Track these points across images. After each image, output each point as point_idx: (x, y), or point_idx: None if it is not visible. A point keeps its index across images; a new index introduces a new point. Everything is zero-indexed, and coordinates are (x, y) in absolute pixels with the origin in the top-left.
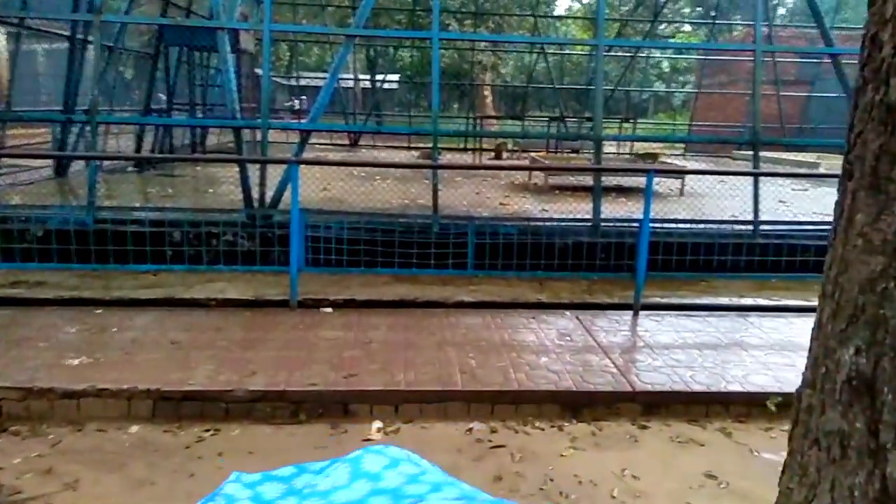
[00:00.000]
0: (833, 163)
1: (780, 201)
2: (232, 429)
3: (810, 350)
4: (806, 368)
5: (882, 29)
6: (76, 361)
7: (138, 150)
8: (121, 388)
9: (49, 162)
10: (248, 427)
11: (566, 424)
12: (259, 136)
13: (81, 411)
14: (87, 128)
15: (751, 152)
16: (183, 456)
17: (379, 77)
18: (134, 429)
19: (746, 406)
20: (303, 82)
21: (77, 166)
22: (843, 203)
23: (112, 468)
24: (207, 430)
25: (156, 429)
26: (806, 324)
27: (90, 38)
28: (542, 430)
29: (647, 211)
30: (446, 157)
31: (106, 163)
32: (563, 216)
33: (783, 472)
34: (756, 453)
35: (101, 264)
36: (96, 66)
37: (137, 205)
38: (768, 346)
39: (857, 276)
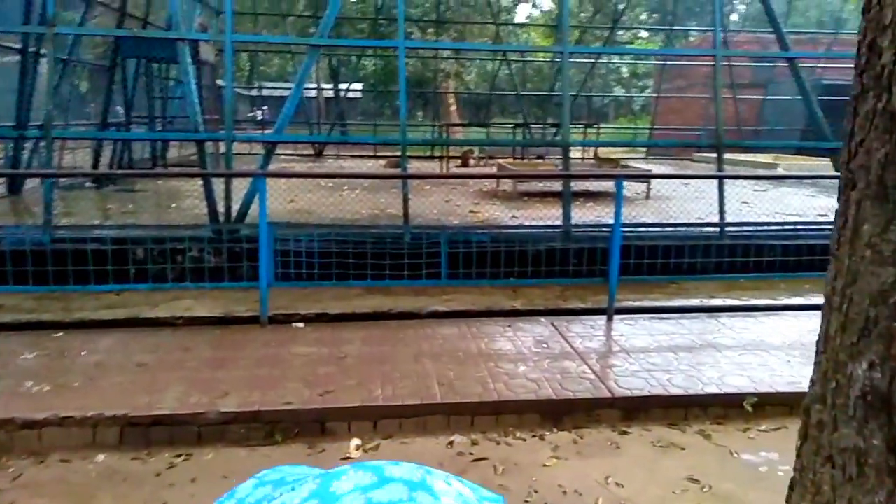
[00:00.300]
0: (790, 163)
1: (743, 202)
2: (205, 453)
3: (818, 364)
4: (813, 382)
5: (880, 36)
6: (36, 389)
7: (96, 165)
8: (85, 416)
9: (2, 179)
10: (221, 450)
11: (547, 433)
12: (221, 149)
13: (43, 441)
14: (42, 143)
15: (711, 154)
16: (154, 484)
17: (343, 86)
18: (100, 458)
19: (724, 408)
20: (265, 92)
21: (32, 183)
22: (847, 213)
23: (79, 501)
24: (179, 456)
25: (124, 457)
26: (776, 323)
27: (43, 50)
28: (524, 440)
29: (618, 216)
30: (413, 166)
31: (62, 179)
32: (534, 223)
33: (791, 488)
34: (736, 455)
35: (59, 285)
36: (50, 80)
37: (97, 222)
38: (741, 347)
39: (867, 288)
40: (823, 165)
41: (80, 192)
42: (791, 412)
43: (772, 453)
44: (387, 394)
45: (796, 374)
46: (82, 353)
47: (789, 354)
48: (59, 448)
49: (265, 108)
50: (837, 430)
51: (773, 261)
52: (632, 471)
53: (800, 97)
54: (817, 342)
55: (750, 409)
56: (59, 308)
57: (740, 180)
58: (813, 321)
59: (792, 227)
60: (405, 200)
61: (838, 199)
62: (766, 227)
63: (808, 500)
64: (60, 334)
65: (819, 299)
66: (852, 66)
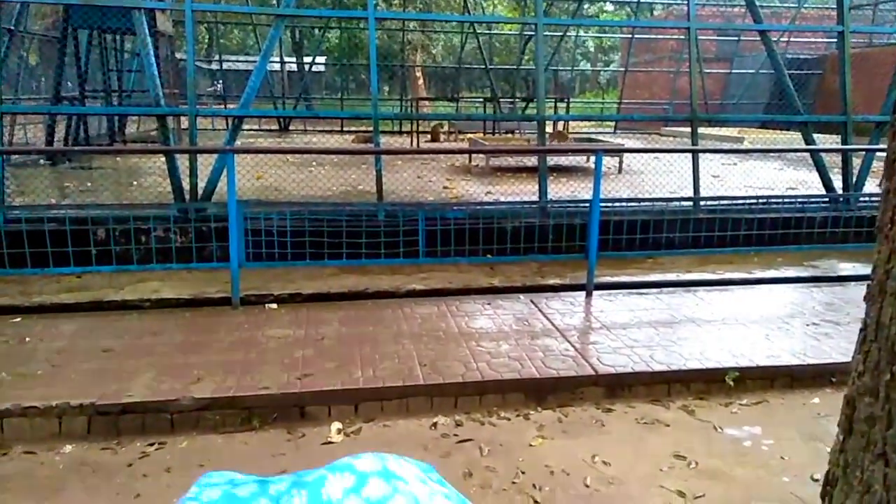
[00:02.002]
0: (755, 137)
1: (714, 176)
2: (179, 441)
3: (867, 353)
4: (861, 373)
5: None
6: None
7: (50, 141)
8: (50, 405)
9: None
10: (196, 438)
11: (532, 413)
12: (182, 124)
13: (6, 433)
14: None
15: (679, 128)
16: (126, 475)
17: (306, 60)
18: (68, 449)
19: (706, 383)
20: (225, 66)
21: None
22: None
23: (46, 494)
24: (151, 445)
25: (93, 447)
26: (752, 297)
27: None
28: (508, 419)
29: (596, 191)
30: (382, 141)
31: (14, 156)
32: (510, 199)
33: (830, 485)
34: (720, 430)
35: (16, 268)
36: None
37: (54, 201)
38: (720, 321)
39: None
40: (789, 139)
41: (34, 170)
42: (771, 386)
43: (755, 427)
44: (367, 376)
45: (775, 348)
46: (44, 339)
47: (767, 328)
48: (23, 440)
49: (220, 81)
50: (892, 427)
51: (747, 234)
52: (618, 449)
53: (765, 71)
54: (863, 329)
55: (731, 383)
56: (17, 292)
57: (710, 154)
58: (788, 294)
59: (764, 200)
60: (378, 177)
61: (886, 177)
62: (738, 201)
63: (856, 500)
64: (19, 319)
65: (792, 272)
66: (816, 40)
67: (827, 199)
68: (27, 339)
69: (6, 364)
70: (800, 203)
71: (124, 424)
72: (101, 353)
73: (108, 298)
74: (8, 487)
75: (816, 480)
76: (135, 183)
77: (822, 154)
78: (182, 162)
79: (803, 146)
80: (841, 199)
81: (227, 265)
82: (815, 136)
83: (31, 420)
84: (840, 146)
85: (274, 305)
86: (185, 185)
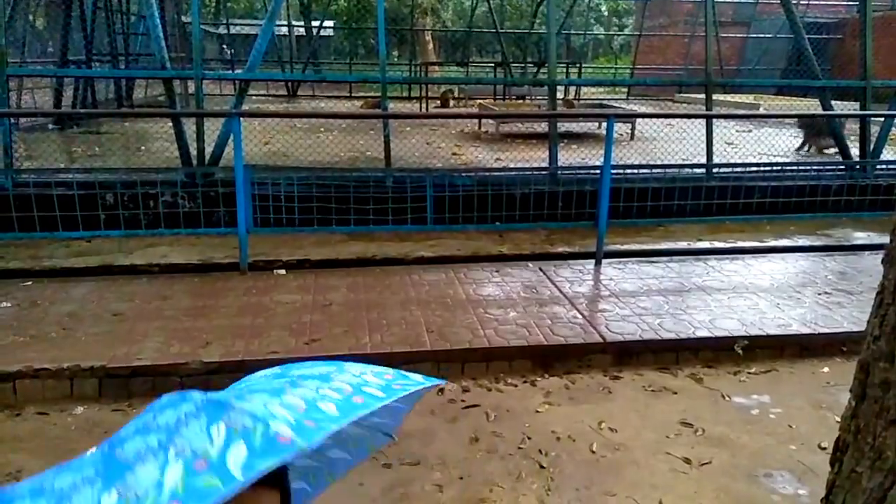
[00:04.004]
0: (771, 104)
1: (728, 143)
2: None
3: (883, 316)
4: (877, 337)
5: None
6: (8, 340)
7: (58, 105)
8: (61, 368)
9: None
10: None
11: (538, 379)
12: (190, 88)
13: (19, 395)
14: None
15: (693, 94)
16: None
17: (314, 23)
18: (79, 410)
19: (714, 351)
20: (233, 30)
21: None
22: None
23: (58, 454)
24: None
25: (104, 408)
26: (763, 265)
27: None
28: (515, 386)
29: (607, 157)
30: (391, 107)
31: (23, 121)
32: (519, 165)
33: (841, 451)
34: (727, 398)
35: (25, 232)
36: (1, 15)
37: (62, 166)
38: (730, 290)
39: None
40: (806, 105)
41: (42, 135)
42: (781, 355)
43: (763, 396)
44: (375, 341)
45: (785, 317)
46: (54, 303)
47: (777, 297)
48: (35, 401)
49: (224, 45)
50: None
51: (760, 202)
52: (625, 415)
53: (783, 35)
54: (879, 293)
55: (740, 352)
56: (27, 256)
57: (724, 121)
58: (800, 263)
59: (778, 168)
60: (387, 142)
61: None
62: (752, 169)
63: (867, 466)
64: (30, 283)
65: (805, 241)
66: (836, 3)
67: (843, 167)
68: (38, 302)
69: (18, 327)
70: (815, 171)
71: (135, 387)
72: (111, 316)
73: (118, 263)
74: (21, 447)
75: (824, 449)
76: (142, 147)
77: (840, 120)
78: (189, 126)
79: (820, 112)
80: (857, 166)
81: (236, 230)
82: (833, 102)
83: (42, 382)
84: (858, 112)
85: (282, 271)
86: (193, 149)
